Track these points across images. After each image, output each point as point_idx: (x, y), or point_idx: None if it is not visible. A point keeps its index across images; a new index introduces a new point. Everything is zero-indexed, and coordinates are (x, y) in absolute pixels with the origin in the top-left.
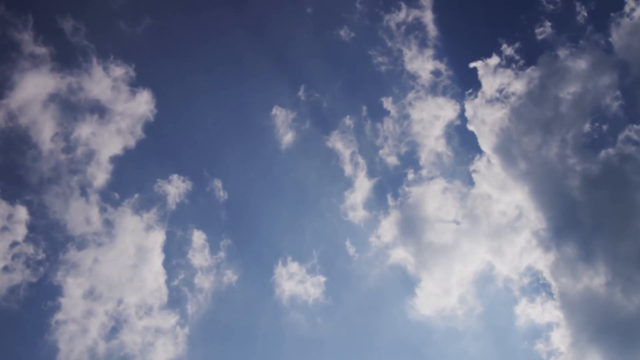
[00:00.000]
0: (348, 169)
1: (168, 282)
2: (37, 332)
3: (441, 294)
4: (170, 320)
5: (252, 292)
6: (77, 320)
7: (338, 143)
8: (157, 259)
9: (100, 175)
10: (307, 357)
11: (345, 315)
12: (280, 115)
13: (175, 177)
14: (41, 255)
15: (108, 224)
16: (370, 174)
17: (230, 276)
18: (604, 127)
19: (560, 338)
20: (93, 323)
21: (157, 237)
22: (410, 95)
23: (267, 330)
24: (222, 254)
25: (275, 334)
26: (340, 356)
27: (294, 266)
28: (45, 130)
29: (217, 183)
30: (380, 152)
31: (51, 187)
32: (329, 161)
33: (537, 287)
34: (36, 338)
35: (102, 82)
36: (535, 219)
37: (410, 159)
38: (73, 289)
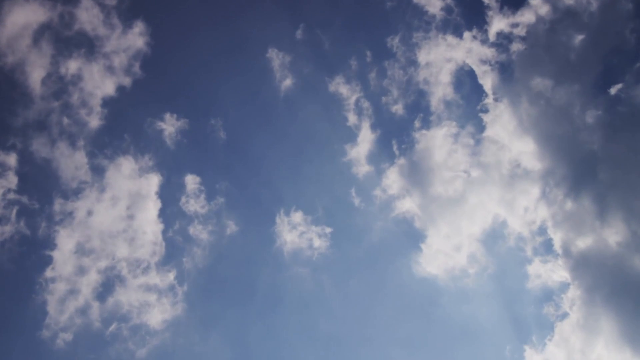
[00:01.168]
0: (352, 116)
1: (164, 233)
2: (26, 291)
3: (449, 251)
4: (166, 277)
5: (253, 243)
6: (68, 277)
7: (342, 88)
8: (152, 207)
9: (91, 118)
10: (309, 313)
11: (350, 270)
12: (277, 58)
13: (170, 116)
14: (30, 205)
15: (100, 170)
16: (376, 121)
17: (229, 225)
18: (620, 68)
19: (572, 299)
20: (85, 281)
21: (152, 184)
22: (418, 35)
23: (268, 285)
24: (220, 200)
25: (276, 289)
26: (343, 313)
27: (297, 216)
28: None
29: (216, 122)
30: (386, 98)
31: (40, 132)
32: (332, 107)
33: (549, 245)
34: (25, 297)
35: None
36: (547, 170)
37: (417, 106)
38: (64, 242)
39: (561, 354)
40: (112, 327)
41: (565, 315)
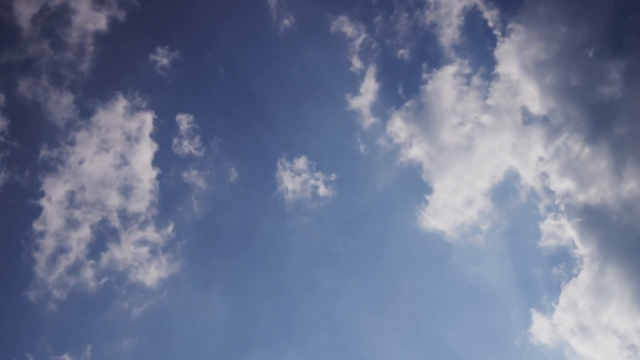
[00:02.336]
0: (357, 58)
1: (159, 179)
2: (12, 246)
3: (458, 206)
4: (162, 230)
5: (253, 190)
6: (57, 232)
7: (346, 27)
8: (146, 150)
9: (81, 55)
10: (312, 267)
11: (354, 221)
12: None
13: (163, 49)
14: (15, 151)
15: (90, 112)
16: (381, 64)
17: (228, 171)
18: None
19: (583, 259)
20: (76, 236)
21: (146, 124)
22: None
23: (269, 238)
24: (218, 141)
25: (278, 241)
26: (347, 266)
27: (300, 162)
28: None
29: (213, 57)
30: (392, 41)
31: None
32: (336, 49)
33: (562, 200)
34: (12, 253)
35: None
36: (562, 119)
37: (424, 49)
38: (53, 192)
39: (570, 317)
40: (106, 286)
41: (575, 277)
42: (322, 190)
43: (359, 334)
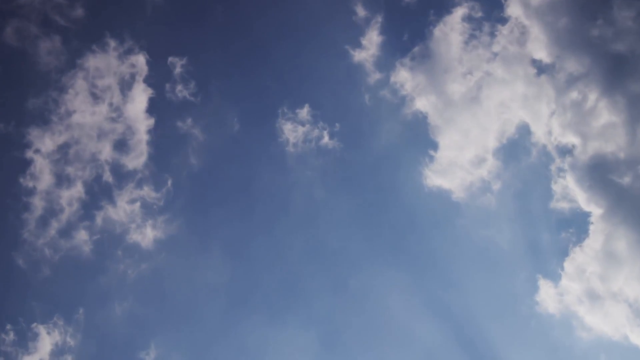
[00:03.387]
0: (361, 7)
1: (155, 131)
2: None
3: (465, 164)
4: (158, 186)
5: (253, 139)
6: (47, 190)
7: None
8: (140, 97)
9: None
10: (314, 224)
11: (358, 175)
12: None
13: None
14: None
15: (79, 56)
16: (387, 9)
17: (226, 119)
18: None
19: (595, 222)
20: (66, 195)
21: (139, 67)
22: None
23: (270, 193)
24: (216, 84)
25: (279, 196)
26: (351, 224)
27: (302, 112)
28: None
29: None
30: None
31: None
32: None
33: (575, 159)
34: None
35: None
36: (576, 64)
37: None
38: (41, 145)
39: (579, 285)
40: (100, 248)
41: (584, 241)
42: (326, 142)
43: (362, 294)
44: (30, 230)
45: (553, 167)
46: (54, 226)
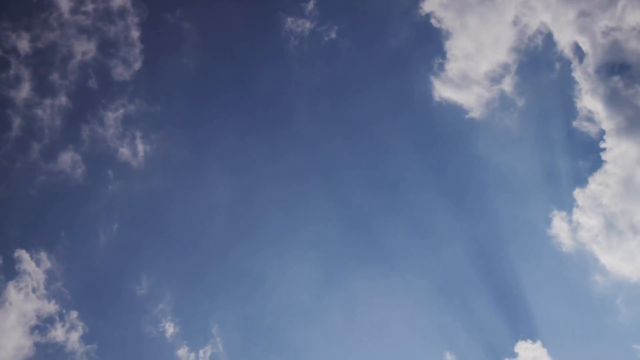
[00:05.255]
0: None
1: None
2: None
3: (480, 79)
4: (148, 94)
5: (252, 35)
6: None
7: None
8: None
9: None
10: (316, 131)
11: (364, 78)
12: None
13: None
14: None
15: None
16: None
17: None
18: None
19: (614, 147)
20: (49, 102)
21: None
22: None
23: (271, 96)
24: None
25: (281, 97)
26: (357, 134)
27: (308, 5)
28: None
29: None
30: None
31: None
32: None
33: (600, 68)
34: None
35: None
36: None
37: None
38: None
39: (596, 215)
40: (87, 167)
41: (604, 167)
42: (331, 38)
43: (367, 213)
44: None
45: (577, 77)
46: (35, 148)
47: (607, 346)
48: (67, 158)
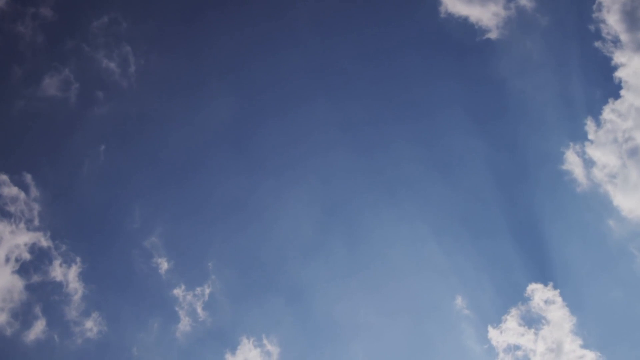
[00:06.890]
0: None
1: None
2: None
3: None
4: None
5: None
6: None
7: None
8: None
9: None
10: (322, 49)
11: None
12: None
13: None
14: None
15: None
16: None
17: None
18: None
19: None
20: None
21: None
22: None
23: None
24: None
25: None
26: (360, 48)
27: None
28: None
29: None
30: None
31: None
32: None
33: None
34: None
35: None
36: None
37: None
38: None
39: (610, 151)
40: (72, 90)
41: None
42: None
43: (374, 138)
44: None
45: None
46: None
47: (621, 293)
48: (50, 78)
